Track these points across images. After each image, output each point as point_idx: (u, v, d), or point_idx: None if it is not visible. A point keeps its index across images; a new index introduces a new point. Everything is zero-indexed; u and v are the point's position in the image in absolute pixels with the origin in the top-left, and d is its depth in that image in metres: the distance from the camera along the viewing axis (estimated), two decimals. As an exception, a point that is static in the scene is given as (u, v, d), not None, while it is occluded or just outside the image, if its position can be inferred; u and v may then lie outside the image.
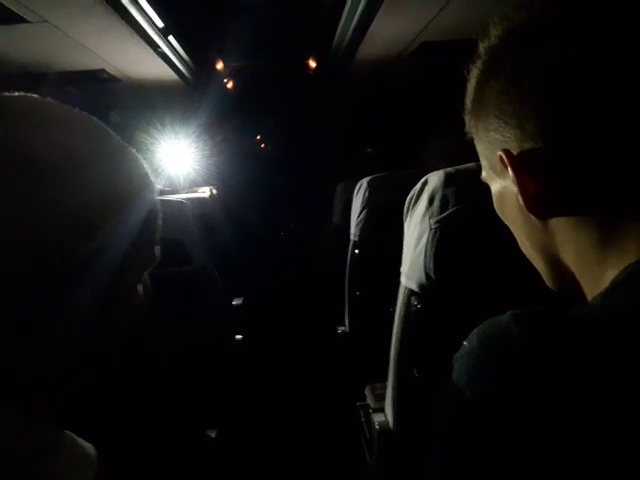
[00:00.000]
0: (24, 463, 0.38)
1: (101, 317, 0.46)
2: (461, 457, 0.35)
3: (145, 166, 0.51)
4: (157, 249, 0.54)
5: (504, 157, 0.43)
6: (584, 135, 0.39)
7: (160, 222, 0.54)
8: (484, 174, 0.52)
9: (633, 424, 0.29)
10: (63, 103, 0.47)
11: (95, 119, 0.48)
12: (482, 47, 0.47)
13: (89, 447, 0.45)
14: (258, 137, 5.63)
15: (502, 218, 0.52)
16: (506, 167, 0.44)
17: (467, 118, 0.52)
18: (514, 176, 0.43)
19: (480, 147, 0.51)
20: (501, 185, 0.48)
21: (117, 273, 0.46)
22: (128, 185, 0.48)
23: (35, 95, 0.46)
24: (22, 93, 0.45)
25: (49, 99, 0.47)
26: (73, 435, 0.44)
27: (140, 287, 0.52)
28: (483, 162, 0.51)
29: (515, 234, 0.51)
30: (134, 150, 0.51)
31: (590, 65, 0.39)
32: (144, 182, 0.50)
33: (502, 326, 0.36)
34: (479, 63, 0.48)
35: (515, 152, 0.43)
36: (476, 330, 0.38)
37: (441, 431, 0.38)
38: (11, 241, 0.38)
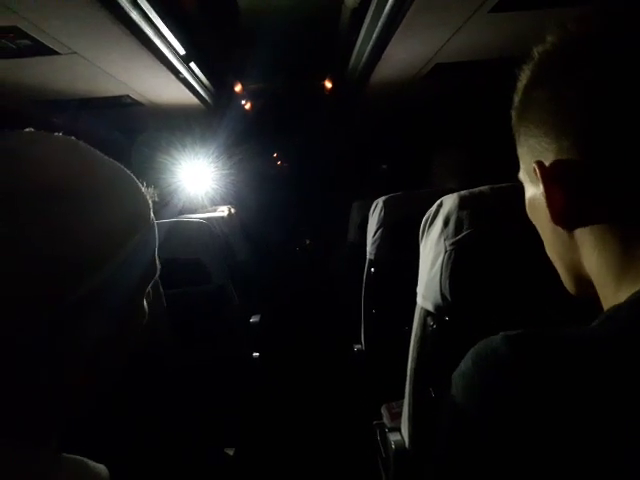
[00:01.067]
0: None
1: (113, 333, 0.48)
2: (455, 470, 0.37)
3: (145, 193, 0.54)
4: (157, 262, 0.57)
5: (536, 168, 0.45)
6: (616, 154, 0.40)
7: (157, 241, 0.56)
8: (521, 174, 0.53)
9: (600, 440, 0.31)
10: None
11: (98, 152, 0.51)
12: (535, 51, 0.48)
13: (101, 468, 0.46)
14: (275, 155, 5.70)
15: (533, 222, 0.53)
16: (538, 178, 0.46)
17: (513, 114, 0.52)
18: (543, 187, 0.45)
19: (520, 149, 0.52)
20: (533, 191, 0.50)
21: (129, 289, 0.49)
22: (136, 207, 0.51)
23: (32, 130, 0.48)
24: (24, 129, 0.48)
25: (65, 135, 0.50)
26: (84, 459, 0.45)
27: (145, 304, 0.55)
28: (521, 164, 0.52)
29: (544, 242, 0.53)
30: (135, 178, 0.54)
31: (629, 89, 0.40)
32: (147, 203, 0.54)
33: (493, 347, 0.38)
34: (530, 65, 0.49)
35: (548, 163, 0.45)
36: (471, 350, 0.40)
37: (439, 446, 0.40)
38: (15, 274, 0.39)
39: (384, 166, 4.36)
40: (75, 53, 1.78)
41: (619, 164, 0.40)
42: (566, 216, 0.45)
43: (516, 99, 0.51)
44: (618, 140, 0.40)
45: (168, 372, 1.20)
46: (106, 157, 0.51)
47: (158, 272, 0.56)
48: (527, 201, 0.52)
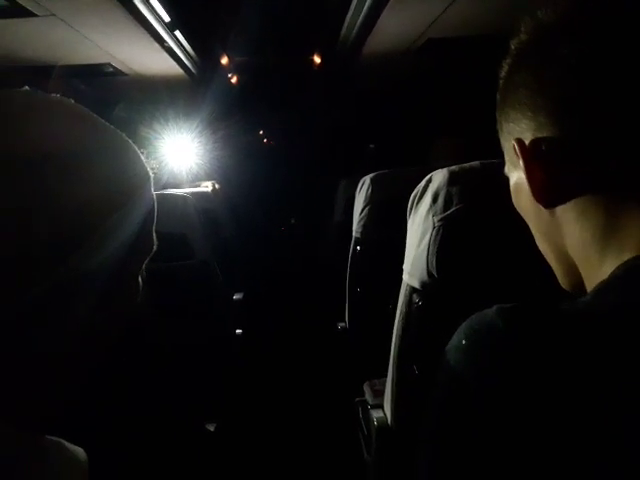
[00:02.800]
0: (6, 474, 0.37)
1: (104, 312, 0.47)
2: (448, 445, 0.37)
3: (144, 160, 0.52)
4: (154, 236, 0.54)
5: (516, 146, 0.46)
6: (592, 127, 0.41)
7: (156, 212, 0.54)
8: (506, 168, 0.54)
9: (597, 414, 0.30)
10: (68, 96, 0.48)
11: (95, 115, 0.48)
12: (512, 44, 0.49)
13: (79, 451, 0.45)
14: (261, 132, 5.62)
15: (518, 211, 0.53)
16: (518, 156, 0.46)
17: (496, 111, 0.53)
18: (523, 164, 0.45)
19: (502, 140, 0.52)
20: (517, 176, 0.50)
21: (121, 266, 0.46)
22: (132, 179, 0.48)
23: (36, 90, 0.46)
24: (25, 88, 0.45)
25: (52, 94, 0.47)
26: (61, 441, 0.43)
27: (140, 280, 0.53)
28: (505, 155, 0.53)
29: (530, 228, 0.53)
30: (134, 145, 0.51)
31: (602, 65, 0.40)
32: (146, 176, 0.51)
33: (487, 320, 0.37)
34: (508, 59, 0.50)
35: (527, 142, 0.45)
36: (464, 323, 0.39)
37: (431, 420, 0.39)
38: (14, 234, 0.38)
39: (372, 146, 4.33)
40: (53, 15, 1.71)
41: (596, 134, 0.41)
42: (547, 191, 0.45)
43: (498, 95, 0.52)
44: (593, 111, 0.41)
45: (147, 347, 1.19)
46: (106, 123, 0.48)
47: (155, 247, 0.54)
48: (512, 189, 0.52)
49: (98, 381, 0.56)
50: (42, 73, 2.28)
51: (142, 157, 0.51)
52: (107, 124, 0.49)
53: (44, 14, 1.68)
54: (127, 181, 0.47)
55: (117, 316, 0.50)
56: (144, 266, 0.53)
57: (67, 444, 0.44)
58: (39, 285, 0.39)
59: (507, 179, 0.57)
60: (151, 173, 0.52)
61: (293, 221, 5.53)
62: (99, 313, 0.46)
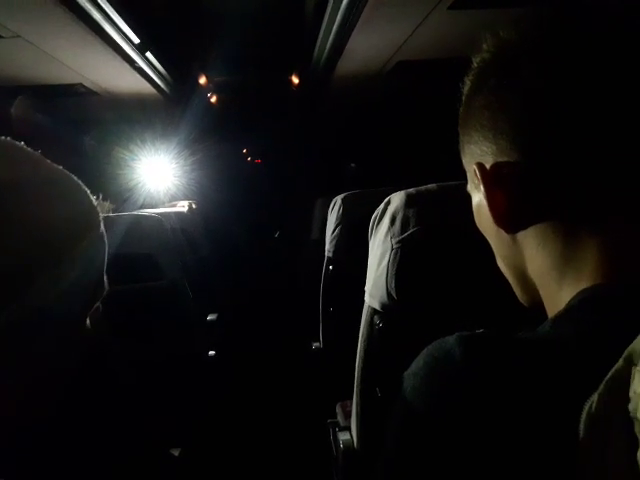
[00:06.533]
0: None
1: (58, 349, 0.46)
2: (402, 471, 0.36)
3: (91, 199, 0.50)
4: (105, 278, 0.53)
5: (477, 170, 0.45)
6: (553, 155, 0.40)
7: (106, 255, 0.53)
8: (468, 186, 0.53)
9: (550, 442, 0.31)
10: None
11: (43, 157, 0.47)
12: (474, 61, 0.48)
13: None
14: (245, 151, 5.63)
15: (480, 230, 0.53)
16: (479, 180, 0.45)
17: (459, 129, 0.52)
18: (484, 189, 0.45)
19: (464, 159, 0.52)
20: (479, 198, 0.49)
21: (64, 312, 0.45)
22: (80, 219, 0.47)
23: None
24: None
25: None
26: None
27: (88, 322, 0.51)
28: (467, 174, 0.52)
29: (492, 247, 0.53)
30: (84, 187, 0.50)
31: (564, 90, 0.40)
32: (95, 218, 0.50)
33: (447, 348, 0.37)
34: (470, 76, 0.49)
35: (488, 166, 0.45)
36: (424, 350, 0.39)
37: (387, 445, 0.39)
38: None
39: (352, 164, 4.36)
40: (19, 37, 1.70)
41: (557, 162, 0.40)
42: (508, 217, 0.44)
43: (460, 110, 0.51)
44: (555, 138, 0.40)
45: (111, 371, 1.16)
46: (53, 165, 0.48)
47: (106, 290, 0.53)
48: (474, 209, 0.52)
49: (55, 410, 0.54)
50: (10, 94, 2.25)
51: (94, 199, 0.50)
52: (55, 166, 0.48)
53: (9, 35, 1.67)
54: (73, 221, 0.46)
55: (71, 351, 0.48)
56: (99, 304, 0.52)
57: None
58: None
59: (464, 201, 0.56)
60: (100, 212, 0.51)
61: (277, 232, 5.50)
62: (53, 349, 0.45)
